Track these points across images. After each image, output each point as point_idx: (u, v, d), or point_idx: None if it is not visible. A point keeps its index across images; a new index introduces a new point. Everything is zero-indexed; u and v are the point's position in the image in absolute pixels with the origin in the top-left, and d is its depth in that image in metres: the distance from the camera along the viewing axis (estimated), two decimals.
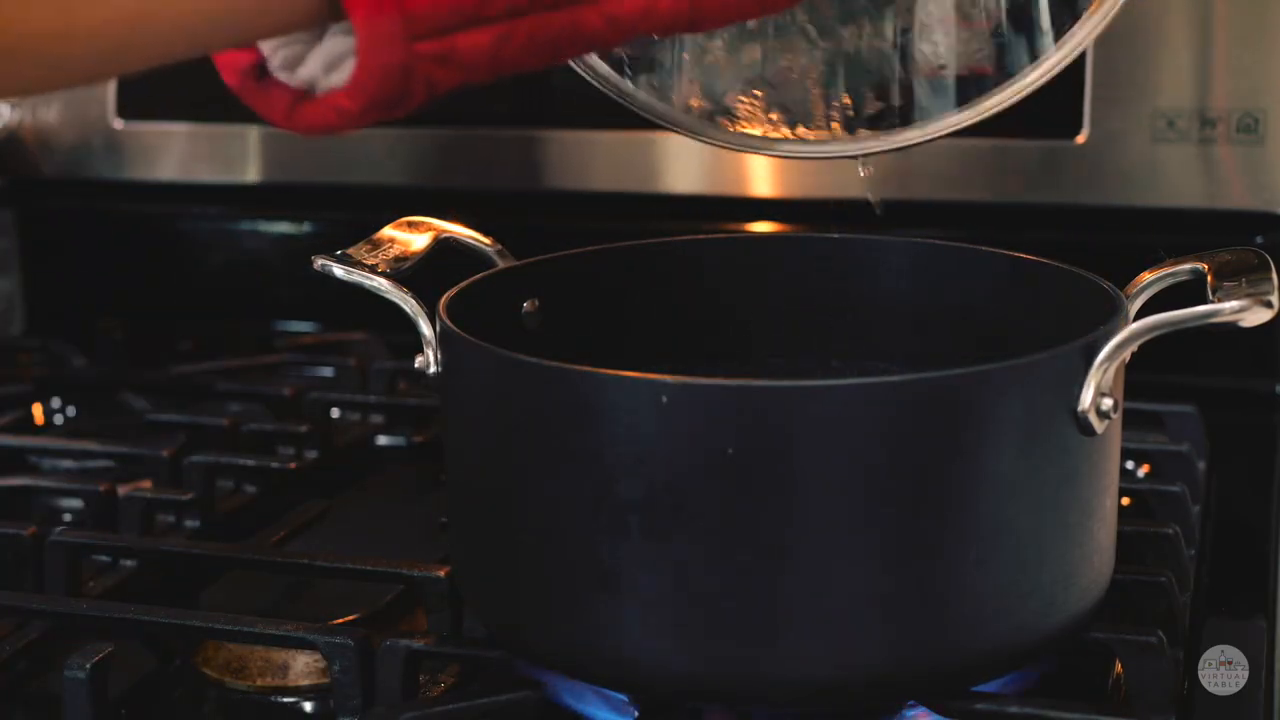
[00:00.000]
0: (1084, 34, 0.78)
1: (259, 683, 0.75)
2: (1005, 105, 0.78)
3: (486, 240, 0.80)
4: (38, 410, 1.13)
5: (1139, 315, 0.67)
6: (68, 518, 0.88)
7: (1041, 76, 0.79)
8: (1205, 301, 0.65)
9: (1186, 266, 0.71)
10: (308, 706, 0.75)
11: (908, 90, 0.81)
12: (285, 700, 0.75)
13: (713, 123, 0.81)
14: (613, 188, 1.18)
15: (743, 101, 0.81)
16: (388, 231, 0.77)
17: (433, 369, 0.71)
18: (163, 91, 1.26)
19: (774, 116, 0.81)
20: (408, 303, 0.72)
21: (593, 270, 0.82)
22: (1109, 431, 0.66)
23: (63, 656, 0.70)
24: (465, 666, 0.73)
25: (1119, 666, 0.72)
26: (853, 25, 0.81)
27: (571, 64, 0.79)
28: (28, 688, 0.76)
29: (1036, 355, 0.64)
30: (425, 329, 0.71)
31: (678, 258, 0.83)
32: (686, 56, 0.81)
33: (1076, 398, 0.64)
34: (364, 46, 0.58)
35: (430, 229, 0.78)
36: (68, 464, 1.01)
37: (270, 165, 1.25)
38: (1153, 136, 1.08)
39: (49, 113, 1.28)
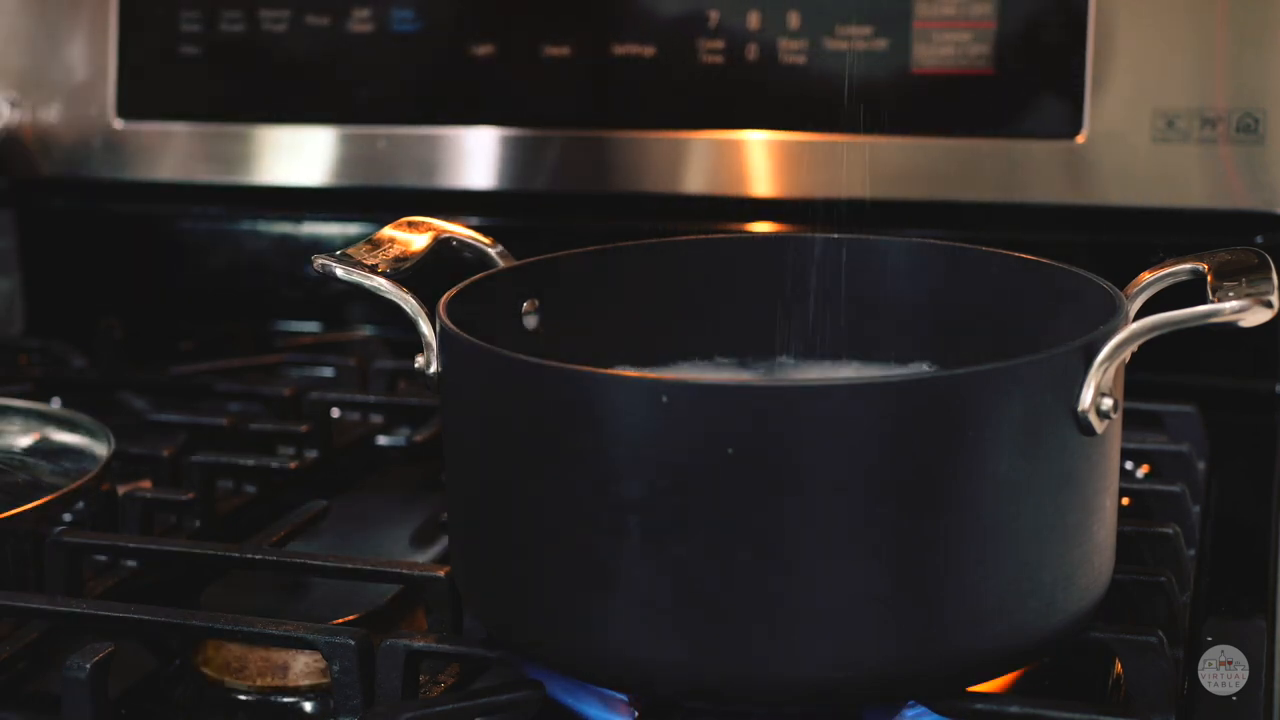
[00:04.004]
0: None
1: (259, 683, 0.75)
2: None
3: (486, 240, 0.80)
4: None
5: (1139, 315, 0.67)
6: (68, 518, 0.87)
7: None
8: (1205, 301, 0.65)
9: (1186, 266, 0.71)
10: (308, 706, 0.75)
11: None
12: (285, 700, 0.75)
13: None
14: (612, 188, 1.19)
15: None
16: (388, 231, 0.77)
17: (433, 369, 0.71)
18: (163, 91, 1.26)
19: None
20: (408, 303, 0.72)
21: (593, 270, 0.82)
22: (1109, 431, 0.66)
23: (63, 656, 0.70)
24: (465, 666, 0.74)
25: (1119, 666, 0.72)
26: None
27: None
28: (28, 688, 0.76)
29: (1036, 355, 0.64)
30: (425, 329, 0.71)
31: (678, 258, 0.83)
32: None
33: (1076, 398, 0.64)
34: None
35: (430, 229, 0.78)
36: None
37: (270, 165, 1.25)
38: (1153, 136, 1.08)
39: (49, 113, 1.28)
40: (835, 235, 0.83)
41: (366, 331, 1.24)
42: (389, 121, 1.22)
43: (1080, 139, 1.09)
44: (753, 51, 1.14)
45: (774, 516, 0.61)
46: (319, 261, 0.73)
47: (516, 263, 0.80)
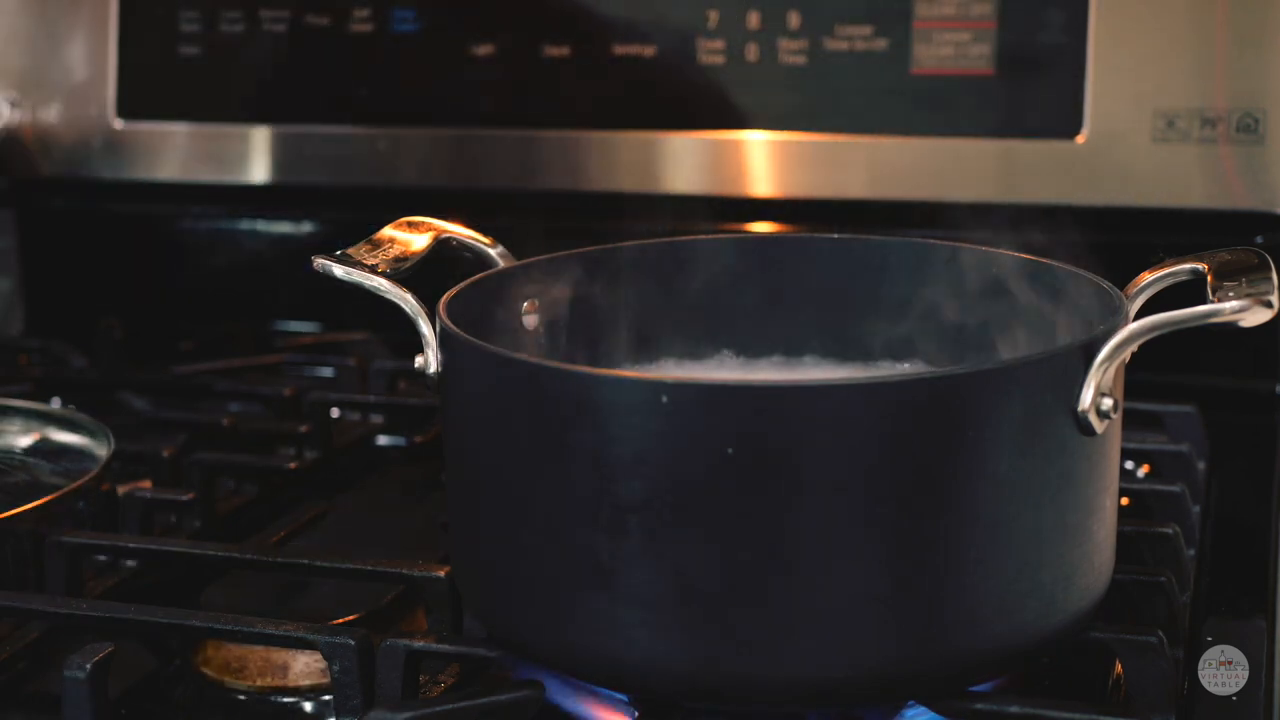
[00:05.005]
0: None
1: (259, 683, 0.75)
2: None
3: (486, 240, 0.80)
4: None
5: (1139, 315, 0.67)
6: (68, 518, 0.87)
7: None
8: (1205, 301, 0.65)
9: (1186, 266, 0.71)
10: (308, 706, 0.75)
11: None
12: (285, 700, 0.75)
13: None
14: (612, 188, 1.19)
15: None
16: (388, 231, 0.77)
17: (433, 369, 0.71)
18: (163, 91, 1.26)
19: None
20: (408, 303, 0.72)
21: (593, 270, 0.82)
22: (1109, 431, 0.66)
23: (63, 656, 0.70)
24: (465, 666, 0.74)
25: (1119, 666, 0.72)
26: None
27: None
28: (28, 688, 0.76)
29: (1036, 355, 0.64)
30: (425, 329, 0.71)
31: (678, 258, 0.83)
32: None
33: (1076, 398, 0.64)
34: None
35: (430, 229, 0.78)
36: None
37: (271, 165, 1.25)
38: (1153, 136, 1.08)
39: (49, 113, 1.28)
40: (835, 235, 0.83)
41: (366, 332, 1.24)
42: (389, 122, 1.22)
43: (1080, 139, 1.09)
44: (753, 51, 1.14)
45: (774, 516, 0.61)
46: (319, 261, 0.73)
47: (516, 263, 0.80)
